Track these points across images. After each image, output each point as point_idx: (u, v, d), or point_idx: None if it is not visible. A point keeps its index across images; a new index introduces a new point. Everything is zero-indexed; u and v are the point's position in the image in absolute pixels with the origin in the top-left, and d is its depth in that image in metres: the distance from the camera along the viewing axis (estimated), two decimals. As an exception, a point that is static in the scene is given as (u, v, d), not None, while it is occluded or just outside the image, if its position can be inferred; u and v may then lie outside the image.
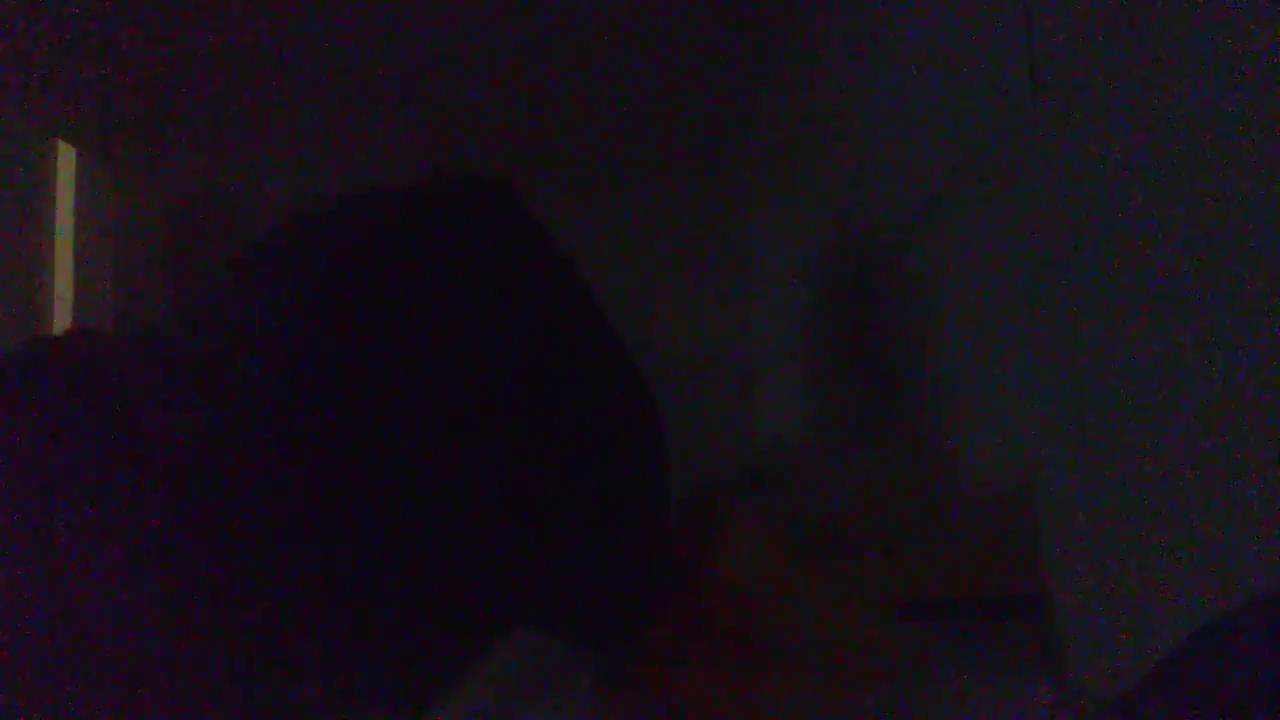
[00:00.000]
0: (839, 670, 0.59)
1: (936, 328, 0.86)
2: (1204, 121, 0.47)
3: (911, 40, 0.86)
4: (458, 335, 0.45)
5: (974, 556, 0.64)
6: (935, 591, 0.63)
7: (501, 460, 0.44)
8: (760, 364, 1.76)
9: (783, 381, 1.56)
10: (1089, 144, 0.58)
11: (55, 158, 1.53)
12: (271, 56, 1.29)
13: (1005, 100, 0.68)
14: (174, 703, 0.41)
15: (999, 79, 0.69)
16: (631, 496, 0.50)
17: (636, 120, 1.61)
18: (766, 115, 1.55)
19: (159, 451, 0.42)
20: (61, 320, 1.55)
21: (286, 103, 1.44)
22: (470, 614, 0.44)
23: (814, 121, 1.24)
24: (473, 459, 0.44)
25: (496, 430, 0.44)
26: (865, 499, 0.72)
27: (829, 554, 0.64)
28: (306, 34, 1.23)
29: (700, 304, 1.90)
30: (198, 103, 1.42)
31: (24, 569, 0.41)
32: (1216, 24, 0.46)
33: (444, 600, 0.44)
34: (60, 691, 0.40)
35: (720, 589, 0.61)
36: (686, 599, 0.61)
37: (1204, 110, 0.47)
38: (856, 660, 0.60)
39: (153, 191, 1.75)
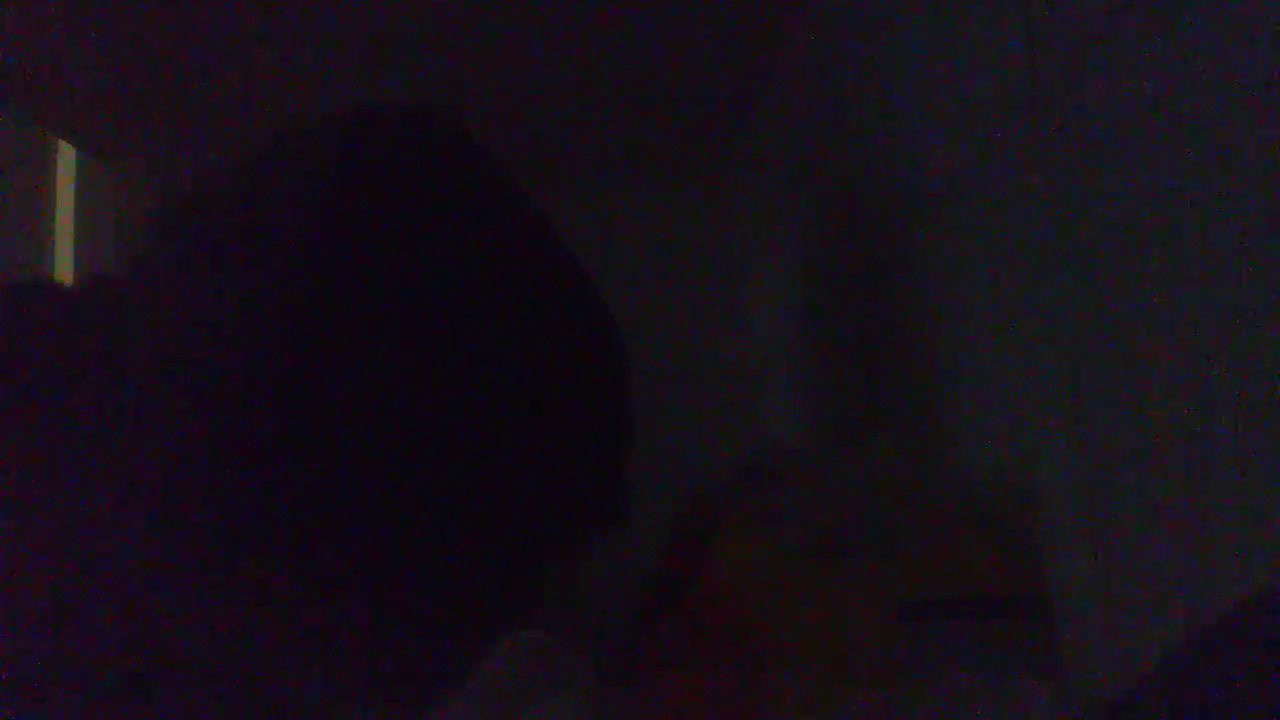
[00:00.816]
0: (839, 670, 0.59)
1: (936, 328, 0.86)
2: (1205, 121, 0.47)
3: (911, 41, 0.86)
4: (410, 267, 0.44)
5: (974, 556, 0.64)
6: (935, 591, 0.63)
7: (472, 395, 0.43)
8: (760, 364, 1.76)
9: (783, 381, 1.56)
10: (1089, 144, 0.58)
11: (55, 158, 1.53)
12: (271, 56, 1.29)
13: (1005, 100, 0.68)
14: (172, 703, 0.40)
15: (999, 79, 0.69)
16: (594, 417, 0.50)
17: (636, 119, 1.61)
18: (766, 115, 1.55)
19: (136, 409, 0.41)
20: (61, 320, 1.55)
21: (286, 103, 1.44)
22: (470, 614, 0.44)
23: (813, 122, 1.24)
24: (437, 396, 0.43)
25: (464, 367, 0.43)
26: (865, 499, 0.72)
27: (829, 554, 0.64)
28: (306, 33, 1.23)
29: (700, 304, 1.89)
30: (198, 103, 1.42)
31: None
32: (1217, 24, 0.46)
33: (444, 600, 0.44)
34: (44, 686, 0.40)
35: (720, 589, 0.61)
36: (686, 599, 0.61)
37: (1204, 110, 0.47)
38: (856, 660, 0.60)
39: (153, 191, 1.75)
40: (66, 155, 1.55)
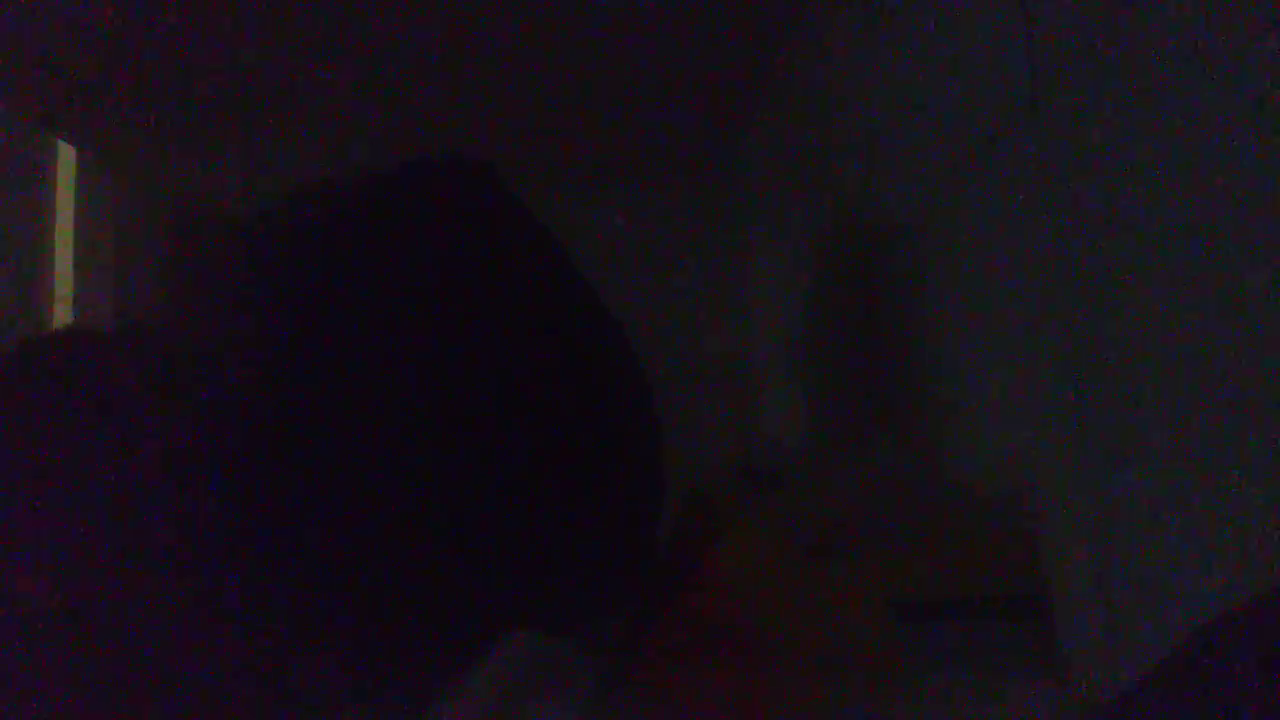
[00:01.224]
0: (839, 670, 0.59)
1: (936, 328, 0.86)
2: (1204, 121, 0.47)
3: (911, 41, 0.86)
4: (447, 321, 0.45)
5: (974, 556, 0.64)
6: (935, 591, 0.63)
7: (497, 449, 0.44)
8: (760, 364, 1.76)
9: (783, 382, 1.56)
10: (1089, 144, 0.58)
11: (55, 158, 1.53)
12: (272, 56, 1.29)
13: (1005, 100, 0.68)
14: (172, 704, 0.40)
15: (999, 79, 0.69)
16: (628, 484, 0.50)
17: (636, 120, 1.61)
18: (766, 116, 1.55)
19: (155, 451, 0.42)
20: (62, 321, 1.55)
21: (286, 102, 1.45)
22: (470, 614, 0.44)
23: (813, 122, 1.24)
24: (468, 450, 0.43)
25: (491, 418, 0.44)
26: (865, 499, 0.72)
27: (829, 554, 0.64)
28: (306, 34, 1.23)
29: (700, 305, 1.89)
30: (198, 103, 1.42)
31: (19, 572, 0.41)
32: (1217, 23, 0.46)
33: (444, 600, 0.44)
34: (57, 694, 0.40)
35: (720, 589, 0.61)
36: (686, 599, 0.61)
37: (1204, 110, 0.47)
38: (856, 660, 0.60)
39: (153, 191, 1.75)
40: (66, 155, 1.56)
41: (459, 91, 1.44)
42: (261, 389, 0.43)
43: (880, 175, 0.98)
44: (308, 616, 0.42)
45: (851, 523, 0.67)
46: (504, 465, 0.45)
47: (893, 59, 0.92)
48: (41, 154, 1.51)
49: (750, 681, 0.59)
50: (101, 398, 0.44)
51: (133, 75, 1.31)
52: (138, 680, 0.41)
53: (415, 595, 0.44)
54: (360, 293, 0.45)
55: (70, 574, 0.41)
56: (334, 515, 0.42)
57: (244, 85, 1.37)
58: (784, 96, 1.41)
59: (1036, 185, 0.65)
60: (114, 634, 0.41)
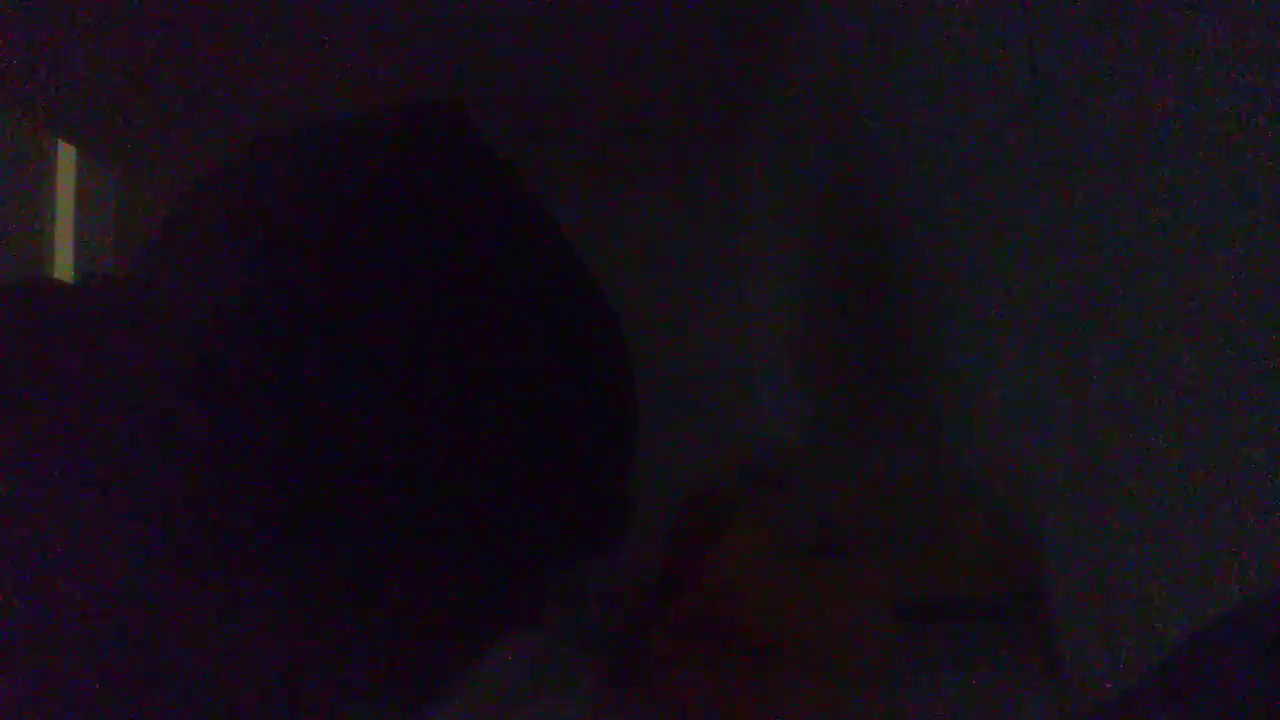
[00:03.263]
0: (839, 670, 0.59)
1: (936, 328, 0.86)
2: (1205, 121, 0.47)
3: (911, 41, 0.86)
4: (416, 264, 0.44)
5: (974, 556, 0.64)
6: (935, 591, 0.63)
7: (471, 384, 0.43)
8: (760, 364, 1.76)
9: (783, 381, 1.56)
10: (1089, 143, 0.58)
11: (55, 158, 1.53)
12: (271, 56, 1.29)
13: (1005, 100, 0.68)
14: (173, 702, 0.40)
15: (999, 79, 0.69)
16: (600, 404, 0.50)
17: (638, 121, 1.61)
18: (766, 115, 1.55)
19: (126, 406, 0.41)
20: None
21: (287, 102, 1.44)
22: (470, 614, 0.44)
23: (813, 122, 1.24)
24: (444, 396, 0.43)
25: (470, 371, 0.43)
26: (865, 499, 0.72)
27: (829, 554, 0.64)
28: (307, 32, 1.23)
29: (700, 304, 1.90)
30: (198, 103, 1.42)
31: None
32: (1217, 23, 0.46)
33: (444, 600, 0.44)
34: (43, 686, 0.40)
35: (720, 589, 0.61)
36: (686, 599, 0.61)
37: (1205, 109, 0.47)
38: (856, 660, 0.60)
39: (153, 191, 1.75)
40: (66, 155, 1.56)
41: (459, 91, 1.44)
42: (235, 335, 0.42)
43: (879, 174, 0.98)
44: (307, 616, 0.42)
45: (852, 523, 0.67)
46: (476, 406, 0.44)
47: (893, 58, 0.92)
48: (41, 154, 1.51)
49: (750, 681, 0.59)
50: (66, 347, 0.43)
51: (133, 75, 1.31)
52: (133, 676, 0.41)
53: (415, 597, 0.44)
54: (334, 240, 0.44)
55: (47, 539, 0.40)
56: (325, 506, 0.42)
57: (244, 85, 1.37)
58: (783, 97, 1.41)
59: (1037, 185, 0.65)
60: (91, 627, 0.40)
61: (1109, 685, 0.57)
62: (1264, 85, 0.43)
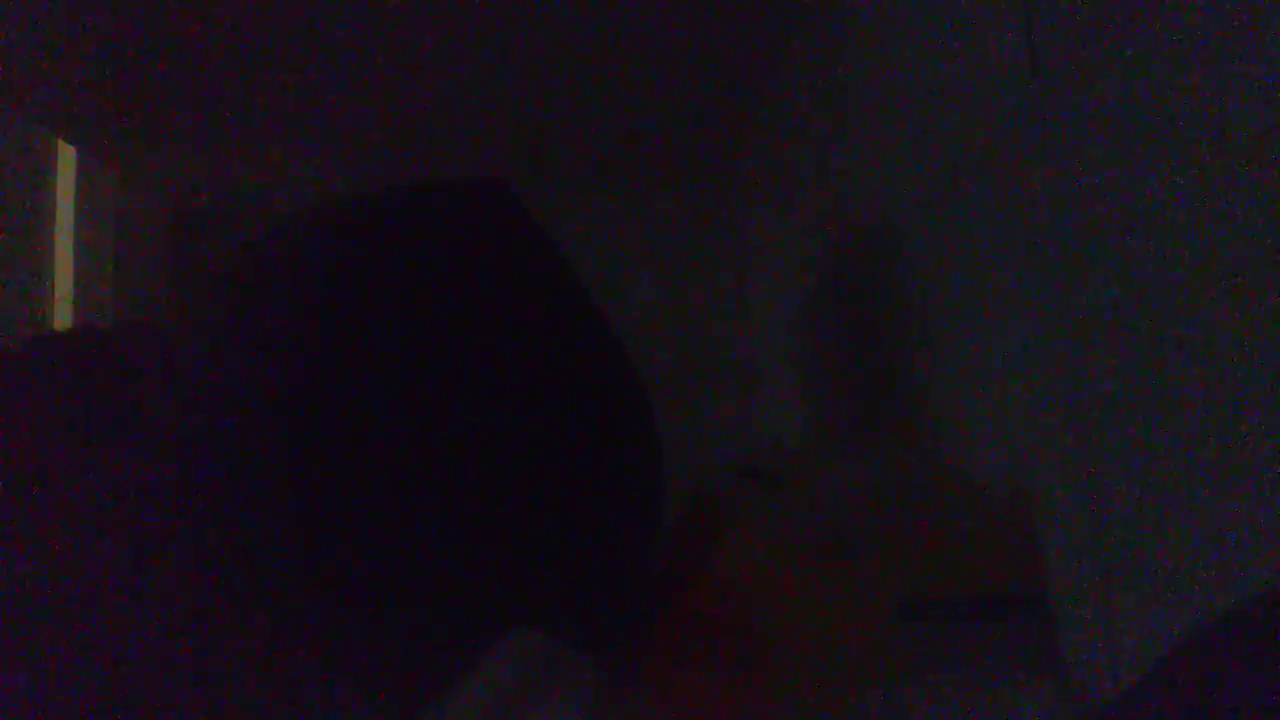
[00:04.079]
0: (839, 670, 0.59)
1: (936, 328, 0.86)
2: (1205, 120, 0.47)
3: (911, 40, 0.86)
4: (458, 336, 0.45)
5: (974, 556, 0.64)
6: (935, 591, 0.63)
7: (501, 459, 0.44)
8: (760, 364, 1.76)
9: (783, 381, 1.56)
10: (1089, 143, 0.58)
11: (55, 158, 1.53)
12: (272, 57, 1.29)
13: (1005, 100, 0.68)
14: (175, 701, 0.41)
15: (999, 78, 0.69)
16: (629, 494, 0.50)
17: (636, 121, 1.61)
18: (766, 116, 1.55)
19: (161, 449, 0.42)
20: (62, 321, 1.55)
21: (286, 103, 1.45)
22: (470, 614, 0.44)
23: (813, 122, 1.24)
24: (473, 458, 0.44)
25: (496, 431, 0.44)
26: (865, 499, 0.72)
27: (829, 554, 0.64)
28: (307, 35, 1.23)
29: (700, 304, 1.90)
30: (198, 103, 1.42)
31: (25, 564, 0.41)
32: (1217, 22, 0.46)
33: (444, 600, 0.44)
34: (59, 689, 0.40)
35: (721, 589, 0.61)
36: (686, 599, 0.61)
37: (1205, 109, 0.47)
38: (856, 660, 0.60)
39: (153, 191, 1.75)
40: (66, 155, 1.56)
41: (458, 92, 1.44)
42: (273, 395, 0.43)
43: (879, 174, 0.98)
44: (308, 618, 0.42)
45: (851, 523, 0.67)
46: (506, 476, 0.45)
47: (893, 58, 0.92)
48: (41, 154, 1.51)
49: (751, 681, 0.59)
50: (108, 396, 0.44)
51: (133, 75, 1.31)
52: (135, 678, 0.41)
53: (415, 596, 0.44)
54: (371, 304, 0.45)
55: (74, 569, 0.41)
56: (335, 518, 0.42)
57: (244, 86, 1.37)
58: (784, 96, 1.41)
59: (1037, 185, 0.65)
60: (113, 631, 0.41)
61: (1109, 685, 0.57)
62: (1263, 85, 0.43)
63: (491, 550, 0.45)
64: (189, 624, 0.41)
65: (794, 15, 1.23)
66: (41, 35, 1.18)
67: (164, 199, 1.81)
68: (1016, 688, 0.56)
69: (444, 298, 0.47)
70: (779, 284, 1.56)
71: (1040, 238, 0.65)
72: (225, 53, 1.27)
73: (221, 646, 0.42)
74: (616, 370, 0.52)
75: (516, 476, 0.45)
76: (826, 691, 0.59)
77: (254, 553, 0.42)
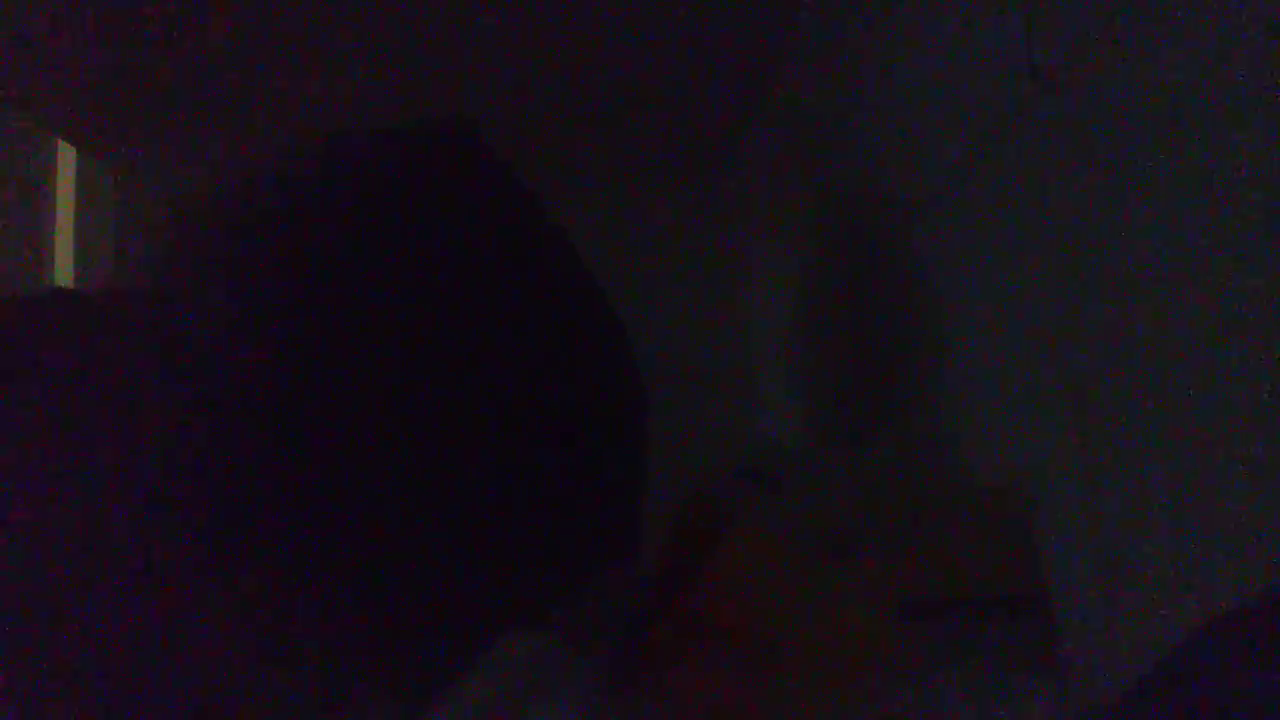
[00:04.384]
0: (839, 670, 0.59)
1: (936, 328, 0.86)
2: (1205, 120, 0.47)
3: (911, 40, 0.86)
4: (433, 287, 0.44)
5: (974, 556, 0.64)
6: (935, 591, 0.63)
7: (484, 417, 0.44)
8: (759, 364, 1.76)
9: (783, 381, 1.56)
10: (1089, 143, 0.58)
11: (55, 158, 1.53)
12: (272, 58, 1.29)
13: (1005, 100, 0.68)
14: (170, 698, 0.40)
15: (999, 79, 0.69)
16: (613, 443, 0.50)
17: (636, 119, 1.61)
18: (766, 116, 1.55)
19: (145, 418, 0.41)
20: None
21: (287, 104, 1.44)
22: (470, 614, 0.44)
23: (813, 121, 1.24)
24: (456, 423, 0.43)
25: (483, 391, 0.44)
26: (865, 499, 0.72)
27: (829, 554, 0.64)
28: (307, 35, 1.23)
29: (699, 304, 1.89)
30: (198, 103, 1.42)
31: (6, 544, 0.40)
32: (1217, 22, 0.46)
33: (444, 600, 0.44)
34: (47, 683, 0.40)
35: (720, 589, 0.61)
36: (687, 599, 0.61)
37: (1205, 109, 0.47)
38: (856, 660, 0.60)
39: (153, 191, 1.75)
40: (66, 155, 1.55)
41: (458, 92, 1.44)
42: (252, 353, 0.42)
43: (879, 174, 0.98)
44: (307, 617, 0.42)
45: (852, 523, 0.67)
46: (488, 428, 0.44)
47: (893, 54, 0.92)
48: (41, 154, 1.51)
49: (751, 681, 0.59)
50: (86, 360, 0.43)
51: (132, 75, 1.31)
52: (124, 673, 0.41)
53: (414, 596, 0.44)
54: (348, 257, 0.44)
55: (53, 552, 0.40)
56: (329, 510, 0.42)
57: (244, 85, 1.37)
58: (783, 97, 1.41)
59: (1037, 185, 0.65)
60: (102, 623, 0.40)
61: (1109, 685, 0.57)
62: (1263, 85, 0.43)
63: (491, 549, 0.45)
64: (180, 621, 0.41)
65: (793, 15, 1.23)
66: (41, 35, 1.18)
67: (164, 199, 1.80)
68: (1016, 688, 0.56)
69: (418, 250, 0.46)
70: (778, 284, 1.55)
71: (1040, 238, 0.65)
72: (225, 53, 1.27)
73: (218, 645, 0.41)
74: (594, 311, 0.51)
75: (512, 460, 0.45)
76: (827, 692, 0.59)
77: (248, 548, 0.41)
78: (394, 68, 1.35)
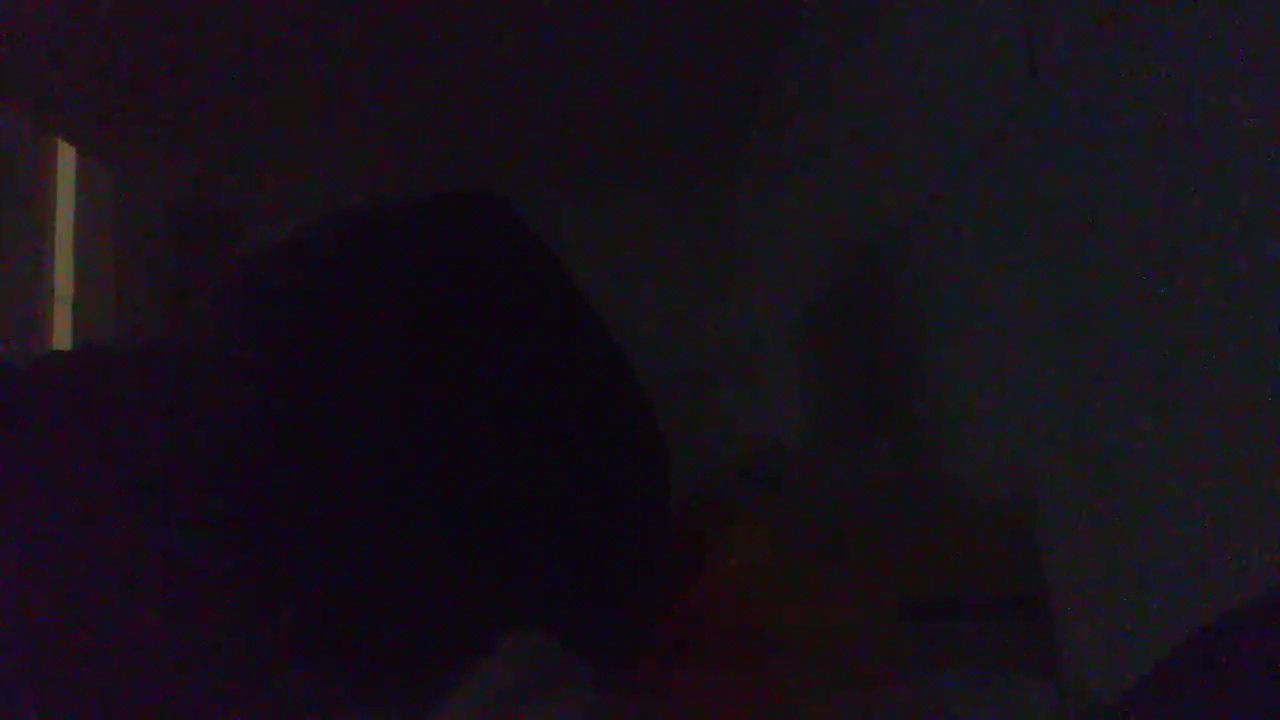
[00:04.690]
0: (839, 670, 0.59)
1: (936, 328, 0.86)
2: (1204, 120, 0.47)
3: (911, 41, 0.86)
4: (458, 347, 0.45)
5: (974, 556, 0.64)
6: (935, 591, 0.63)
7: (502, 465, 0.44)
8: (760, 364, 1.76)
9: (783, 381, 1.56)
10: (1089, 144, 0.58)
11: (55, 158, 1.53)
12: (272, 59, 1.29)
13: (1005, 100, 0.68)
14: (175, 703, 0.41)
15: (999, 79, 0.69)
16: (631, 498, 0.50)
17: (636, 121, 1.61)
18: (767, 116, 1.55)
19: (164, 463, 0.42)
20: (62, 321, 1.55)
21: (286, 104, 1.44)
22: (470, 614, 0.44)
23: (814, 122, 1.24)
24: (475, 465, 0.44)
25: (498, 437, 0.44)
26: (865, 499, 0.72)
27: (829, 554, 0.64)
28: (307, 36, 1.23)
29: (700, 304, 1.90)
30: (198, 103, 1.42)
31: (28, 578, 0.41)
32: (1216, 22, 0.46)
33: (444, 600, 0.44)
34: (59, 695, 0.40)
35: (721, 589, 0.61)
36: (687, 599, 0.61)
37: (1204, 109, 0.47)
38: (857, 660, 0.60)
39: (153, 191, 1.75)
40: (66, 155, 1.56)
41: (458, 93, 1.44)
42: (276, 410, 0.43)
43: (880, 175, 0.98)
44: (309, 620, 0.42)
45: (852, 523, 0.67)
46: (507, 481, 0.45)
47: (893, 58, 0.92)
48: (41, 154, 1.51)
49: (751, 681, 0.59)
50: (112, 414, 0.44)
51: (132, 75, 1.31)
52: (139, 685, 0.41)
53: (415, 597, 0.44)
54: (374, 319, 0.45)
55: (77, 587, 0.41)
56: (338, 525, 0.42)
57: (244, 85, 1.37)
58: (784, 97, 1.41)
59: (1037, 185, 0.65)
60: (112, 639, 0.41)
61: (1109, 685, 0.57)
62: (1263, 83, 0.43)
63: (492, 553, 0.45)
64: (189, 634, 0.41)
65: (792, 16, 1.23)
66: (41, 35, 1.18)
67: (164, 199, 1.81)
68: (1016, 688, 0.56)
69: (443, 310, 0.47)
70: (778, 284, 1.55)
71: (1040, 238, 0.65)
72: (225, 53, 1.27)
73: (221, 651, 0.42)
74: (616, 375, 0.52)
75: (516, 481, 0.45)
76: (827, 691, 0.59)
77: (257, 563, 0.42)
78: (393, 71, 1.35)
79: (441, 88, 1.42)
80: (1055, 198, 0.62)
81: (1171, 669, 0.31)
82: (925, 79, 0.83)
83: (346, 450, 0.43)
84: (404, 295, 0.46)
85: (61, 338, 1.53)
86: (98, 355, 0.48)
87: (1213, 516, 0.48)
